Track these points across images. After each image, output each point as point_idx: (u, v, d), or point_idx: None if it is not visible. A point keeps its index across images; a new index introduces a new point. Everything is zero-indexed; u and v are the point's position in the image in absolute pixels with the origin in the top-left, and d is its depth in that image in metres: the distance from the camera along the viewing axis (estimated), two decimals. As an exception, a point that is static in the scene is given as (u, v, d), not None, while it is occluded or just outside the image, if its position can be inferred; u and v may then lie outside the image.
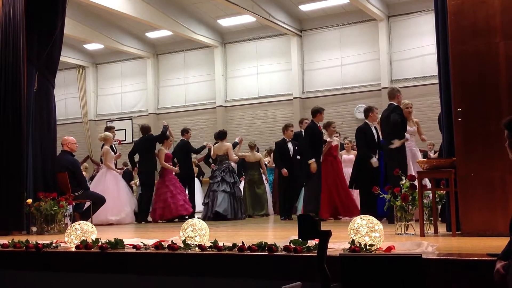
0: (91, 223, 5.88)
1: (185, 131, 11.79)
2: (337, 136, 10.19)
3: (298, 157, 9.94)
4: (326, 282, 2.89)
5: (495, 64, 5.23)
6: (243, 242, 4.35)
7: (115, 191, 10.27)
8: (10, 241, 5.37)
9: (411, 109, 8.24)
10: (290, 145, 10.28)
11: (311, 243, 4.07)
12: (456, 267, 3.54)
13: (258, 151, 12.40)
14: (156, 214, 10.52)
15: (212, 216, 10.33)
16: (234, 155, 11.08)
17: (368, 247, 3.97)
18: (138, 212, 10.60)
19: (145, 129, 11.44)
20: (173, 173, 10.86)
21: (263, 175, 11.88)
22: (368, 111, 8.91)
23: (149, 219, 10.66)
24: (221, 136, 11.07)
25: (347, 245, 4.10)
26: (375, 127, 8.83)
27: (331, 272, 2.91)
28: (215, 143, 11.30)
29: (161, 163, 10.72)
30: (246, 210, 11.28)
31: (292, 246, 4.14)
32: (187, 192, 11.09)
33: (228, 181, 10.68)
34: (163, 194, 10.50)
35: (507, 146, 3.21)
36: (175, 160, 11.44)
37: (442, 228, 5.84)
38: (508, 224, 3.05)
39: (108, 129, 11.72)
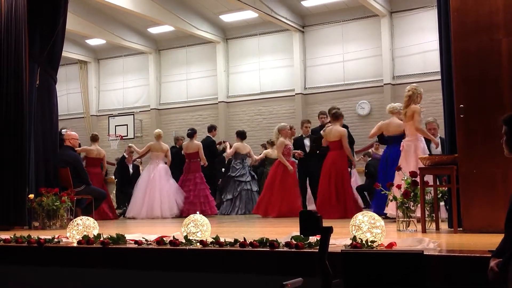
0: (92, 218, 5.89)
1: (213, 128, 11.79)
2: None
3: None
4: (328, 278, 2.89)
5: (497, 61, 5.22)
6: (244, 238, 4.36)
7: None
8: (12, 236, 5.38)
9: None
10: (306, 141, 10.26)
11: (313, 239, 4.08)
12: (457, 263, 3.54)
13: None
14: (192, 209, 9.97)
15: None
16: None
17: (369, 244, 3.98)
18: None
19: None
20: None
21: None
22: None
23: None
24: (242, 136, 11.38)
25: (349, 241, 4.10)
26: None
27: (333, 268, 2.91)
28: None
29: (202, 157, 10.79)
30: None
31: (294, 242, 4.14)
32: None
33: (256, 178, 11.21)
34: (203, 190, 10.58)
35: (503, 142, 3.17)
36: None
37: (443, 225, 5.85)
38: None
39: None
